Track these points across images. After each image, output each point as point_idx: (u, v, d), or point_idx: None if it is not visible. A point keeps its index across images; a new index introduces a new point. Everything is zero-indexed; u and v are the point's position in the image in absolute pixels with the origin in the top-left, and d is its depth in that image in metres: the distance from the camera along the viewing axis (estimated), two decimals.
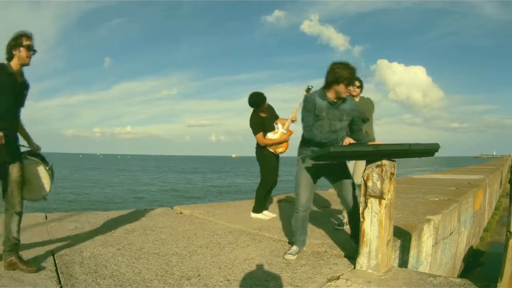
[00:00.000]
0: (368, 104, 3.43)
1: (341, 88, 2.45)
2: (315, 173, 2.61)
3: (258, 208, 3.98)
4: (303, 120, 2.58)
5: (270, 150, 3.84)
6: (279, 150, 3.86)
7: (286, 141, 3.88)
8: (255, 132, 3.85)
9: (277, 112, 4.05)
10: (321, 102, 2.52)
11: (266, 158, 3.87)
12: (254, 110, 3.89)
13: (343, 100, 2.54)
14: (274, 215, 4.02)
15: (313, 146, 2.53)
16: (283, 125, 3.93)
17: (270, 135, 3.86)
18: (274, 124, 3.96)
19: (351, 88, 3.28)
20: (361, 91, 3.38)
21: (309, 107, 2.53)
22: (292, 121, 3.91)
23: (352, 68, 2.46)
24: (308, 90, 3.64)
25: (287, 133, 3.89)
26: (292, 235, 2.75)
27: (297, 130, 3.73)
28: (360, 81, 3.36)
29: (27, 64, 2.28)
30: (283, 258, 2.57)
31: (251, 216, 3.97)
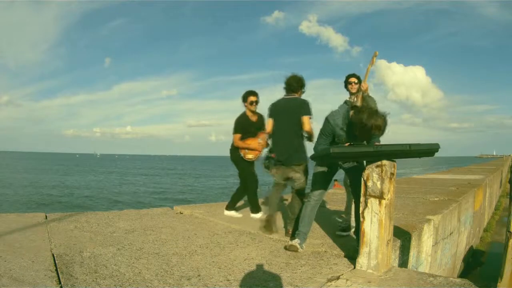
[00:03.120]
0: (373, 103, 3.42)
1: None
2: (331, 168, 2.76)
3: (255, 209, 4.00)
4: (317, 139, 2.80)
5: (241, 153, 3.90)
6: (248, 156, 3.90)
7: (257, 149, 3.91)
8: (234, 131, 3.91)
9: None
10: (342, 131, 2.63)
11: (239, 159, 3.93)
12: (244, 111, 3.96)
13: None
14: (240, 215, 4.06)
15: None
16: (263, 135, 3.96)
17: (248, 141, 3.91)
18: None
19: (349, 86, 3.35)
20: (359, 88, 3.32)
21: (326, 133, 2.69)
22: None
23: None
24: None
25: (262, 143, 3.92)
26: (296, 228, 2.81)
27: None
28: (358, 78, 3.34)
29: None
30: (289, 244, 2.69)
31: (251, 216, 3.98)
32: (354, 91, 3.35)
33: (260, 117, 4.02)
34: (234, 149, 3.96)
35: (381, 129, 2.32)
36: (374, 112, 2.34)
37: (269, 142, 3.93)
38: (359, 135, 2.41)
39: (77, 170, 44.80)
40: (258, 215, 3.96)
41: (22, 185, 23.87)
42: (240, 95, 3.99)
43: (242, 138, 3.91)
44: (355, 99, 3.24)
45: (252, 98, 3.90)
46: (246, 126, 3.92)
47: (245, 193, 4.07)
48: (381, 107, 3.48)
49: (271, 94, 4.00)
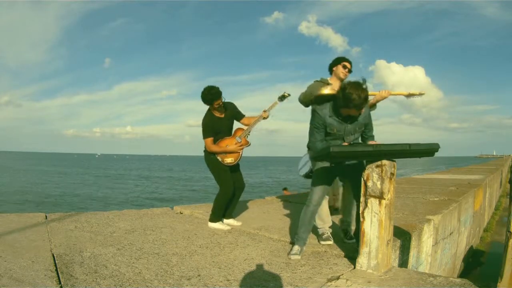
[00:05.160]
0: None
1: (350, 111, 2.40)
2: (331, 173, 2.67)
3: (215, 217, 3.51)
4: (310, 134, 2.60)
5: (218, 158, 3.43)
6: (227, 160, 3.43)
7: (237, 152, 3.45)
8: (204, 136, 3.41)
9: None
10: (331, 119, 2.49)
11: (214, 163, 3.46)
12: (208, 109, 3.45)
13: None
14: (239, 224, 3.62)
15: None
16: (240, 132, 3.51)
17: (223, 143, 3.46)
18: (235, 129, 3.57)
19: (341, 71, 3.08)
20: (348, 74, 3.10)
21: (317, 125, 2.52)
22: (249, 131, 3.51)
23: (361, 91, 2.30)
24: (282, 98, 3.42)
25: (242, 142, 3.47)
26: (295, 232, 2.74)
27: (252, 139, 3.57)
28: (350, 64, 3.10)
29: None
30: (288, 258, 2.56)
31: (208, 226, 3.54)
32: (343, 77, 3.09)
33: (227, 108, 3.50)
34: (208, 152, 3.48)
35: (366, 100, 2.35)
36: (358, 85, 2.33)
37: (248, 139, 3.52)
38: (343, 105, 2.35)
39: (75, 171, 44.76)
40: (215, 225, 3.49)
41: (22, 185, 23.91)
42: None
43: (215, 141, 3.44)
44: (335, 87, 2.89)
45: (218, 102, 3.36)
46: (216, 126, 3.43)
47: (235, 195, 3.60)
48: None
49: (271, 94, 3.94)
